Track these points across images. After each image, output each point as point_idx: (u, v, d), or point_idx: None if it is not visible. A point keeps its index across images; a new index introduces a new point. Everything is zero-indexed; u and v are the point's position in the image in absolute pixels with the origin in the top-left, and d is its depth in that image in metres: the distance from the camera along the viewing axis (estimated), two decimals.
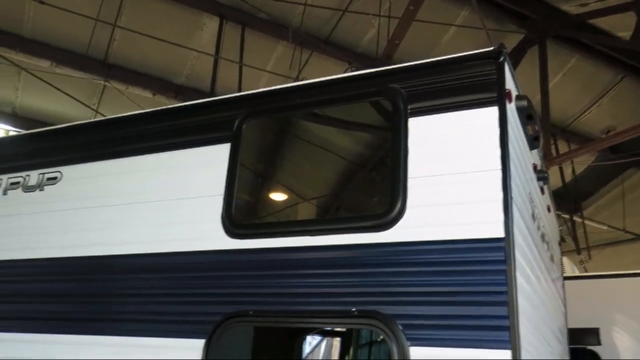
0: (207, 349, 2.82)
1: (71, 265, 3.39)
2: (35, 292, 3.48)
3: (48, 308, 3.39)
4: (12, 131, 9.33)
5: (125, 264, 3.24)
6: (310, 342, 3.17)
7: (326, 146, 3.54)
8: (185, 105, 3.65)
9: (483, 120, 2.66)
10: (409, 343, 2.47)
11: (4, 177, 4.01)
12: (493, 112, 2.65)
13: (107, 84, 8.60)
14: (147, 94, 8.84)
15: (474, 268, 2.48)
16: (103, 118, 3.80)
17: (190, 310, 2.98)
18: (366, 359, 2.98)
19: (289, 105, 3.29)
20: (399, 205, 2.67)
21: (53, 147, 3.96)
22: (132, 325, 3.09)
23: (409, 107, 2.83)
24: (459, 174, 2.64)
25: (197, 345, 2.85)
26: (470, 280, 2.47)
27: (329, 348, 3.14)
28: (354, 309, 2.62)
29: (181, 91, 9.01)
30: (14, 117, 9.55)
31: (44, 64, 8.09)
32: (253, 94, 3.32)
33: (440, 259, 2.54)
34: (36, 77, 7.82)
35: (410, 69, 2.93)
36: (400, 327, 2.49)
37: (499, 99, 2.66)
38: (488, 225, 2.50)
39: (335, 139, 3.56)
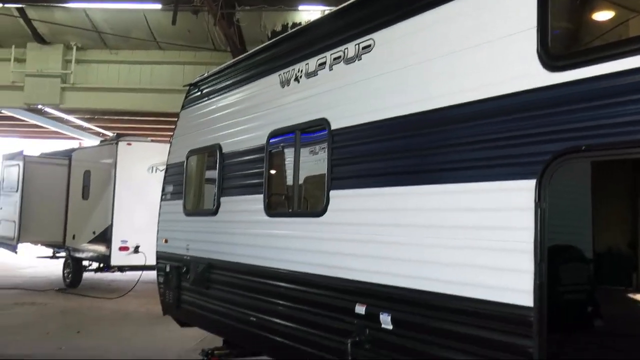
0: (539, 188, 2.77)
1: (409, 121, 3.64)
2: (378, 151, 3.89)
3: (392, 164, 3.76)
4: (326, 10, 10.11)
5: (454, 115, 3.32)
6: None
7: None
8: None
9: None
10: None
11: (327, 54, 4.45)
12: None
13: None
14: None
15: None
16: None
17: (518, 153, 2.94)
18: None
19: None
20: None
21: (363, 16, 4.18)
22: (466, 172, 3.21)
23: None
24: None
25: (528, 186, 2.81)
26: None
27: None
28: None
29: None
30: None
31: None
32: None
33: None
34: None
35: None
36: None
37: None
38: None
39: None
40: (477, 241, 3.09)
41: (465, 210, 3.19)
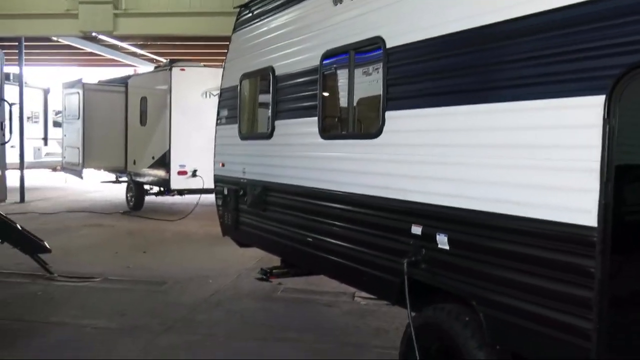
0: (608, 104, 2.63)
1: (469, 37, 3.49)
2: (434, 70, 3.78)
3: (448, 82, 3.66)
4: None
5: (521, 27, 3.15)
6: None
7: None
8: None
9: None
10: None
11: None
12: None
13: None
14: None
15: None
16: None
17: (587, 67, 2.78)
18: None
19: None
20: None
21: None
22: (532, 89, 3.07)
23: None
24: None
25: (597, 102, 2.68)
26: None
27: None
28: None
29: None
30: None
31: None
32: None
33: None
34: None
35: None
36: None
37: None
38: None
39: None
40: (542, 160, 2.99)
41: (529, 129, 3.07)
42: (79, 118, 15.27)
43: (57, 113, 21.27)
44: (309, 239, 5.19)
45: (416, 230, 3.82)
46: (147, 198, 15.20)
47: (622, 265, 2.68)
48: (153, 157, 13.87)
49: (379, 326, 6.16)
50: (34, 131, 20.75)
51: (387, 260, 4.13)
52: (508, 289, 3.16)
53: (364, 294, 6.46)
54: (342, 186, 4.73)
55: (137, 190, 14.96)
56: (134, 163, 14.83)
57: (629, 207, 2.76)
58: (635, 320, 2.72)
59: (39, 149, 21.47)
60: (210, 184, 7.68)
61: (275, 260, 6.79)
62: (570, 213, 2.81)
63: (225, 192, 6.89)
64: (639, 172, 2.78)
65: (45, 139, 21.96)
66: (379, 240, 4.23)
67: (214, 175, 7.38)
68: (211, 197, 8.63)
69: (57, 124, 21.31)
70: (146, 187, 15.04)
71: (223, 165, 7.13)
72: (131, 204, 15.02)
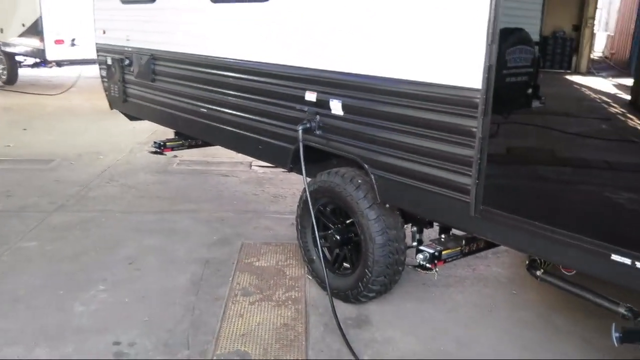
0: None
1: None
2: None
3: None
4: None
5: None
6: None
7: None
8: None
9: None
10: None
11: None
12: None
13: None
14: None
15: None
16: None
17: None
18: None
19: None
20: None
21: None
22: None
23: None
24: None
25: None
26: None
27: None
28: None
29: None
30: None
31: None
32: None
33: None
34: None
35: None
36: None
37: None
38: None
39: None
40: (429, 23, 3.03)
41: None
42: None
43: None
44: (203, 110, 5.07)
45: (310, 97, 3.83)
46: (22, 71, 13.96)
47: (500, 125, 2.87)
48: (23, 25, 12.54)
49: (277, 193, 6.34)
50: None
51: (283, 128, 4.16)
52: (397, 151, 3.32)
53: (261, 163, 6.55)
54: (234, 53, 4.57)
55: (8, 62, 13.66)
56: (1, 32, 13.38)
57: (509, 70, 2.89)
58: (506, 174, 2.98)
59: None
60: (92, 54, 7.11)
61: (169, 133, 6.63)
62: (456, 75, 2.92)
63: (109, 62, 6.45)
64: (520, 34, 2.89)
65: None
66: (275, 109, 4.22)
67: (96, 44, 6.84)
68: (96, 69, 8.06)
69: None
70: (19, 58, 13.74)
71: (104, 32, 6.60)
72: (3, 77, 13.76)
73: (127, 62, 6.12)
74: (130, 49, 6.04)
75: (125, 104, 6.46)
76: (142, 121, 6.84)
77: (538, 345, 3.49)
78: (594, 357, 3.36)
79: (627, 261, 2.39)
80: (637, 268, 2.36)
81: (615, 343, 2.75)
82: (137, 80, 6.02)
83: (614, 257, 2.43)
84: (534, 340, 3.55)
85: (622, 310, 2.91)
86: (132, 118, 6.92)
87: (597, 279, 2.73)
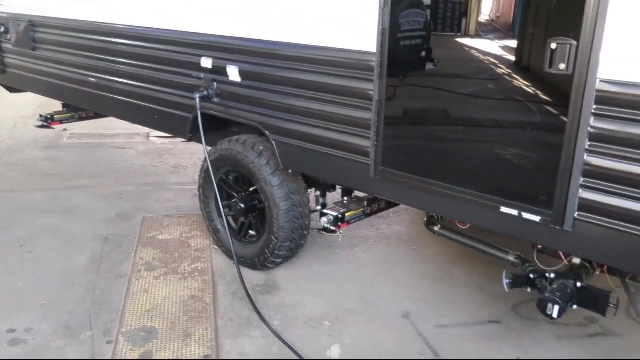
0: None
1: None
2: None
3: None
4: None
5: None
6: None
7: None
8: None
9: None
10: None
11: None
12: None
13: None
14: None
15: None
16: None
17: None
18: None
19: None
20: None
21: None
22: None
23: None
24: None
25: None
26: None
27: None
28: None
29: None
30: None
31: None
32: None
33: None
34: None
35: None
36: None
37: None
38: None
39: None
40: None
41: None
42: None
43: None
44: (92, 80, 4.78)
45: (206, 63, 3.72)
46: None
47: (396, 88, 2.94)
48: None
49: (177, 163, 6.17)
50: None
51: (179, 96, 4.02)
52: (297, 117, 3.32)
53: (159, 133, 6.33)
54: (124, 19, 4.33)
55: None
56: None
57: (403, 33, 2.95)
58: (403, 136, 3.07)
59: None
60: None
61: (56, 105, 6.22)
62: (351, 39, 2.94)
63: None
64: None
65: None
66: (170, 77, 4.06)
67: None
68: None
69: None
70: None
71: None
72: None
73: (2, 29, 5.63)
74: (5, 15, 5.56)
75: (4, 74, 5.97)
76: (25, 93, 6.36)
77: (438, 297, 3.69)
78: (499, 309, 3.60)
79: (515, 212, 2.56)
80: (524, 219, 2.53)
81: (506, 288, 2.96)
82: (16, 50, 5.56)
83: (503, 209, 2.59)
84: (435, 292, 3.74)
85: (511, 258, 3.13)
86: (12, 90, 6.40)
87: (489, 230, 2.91)
